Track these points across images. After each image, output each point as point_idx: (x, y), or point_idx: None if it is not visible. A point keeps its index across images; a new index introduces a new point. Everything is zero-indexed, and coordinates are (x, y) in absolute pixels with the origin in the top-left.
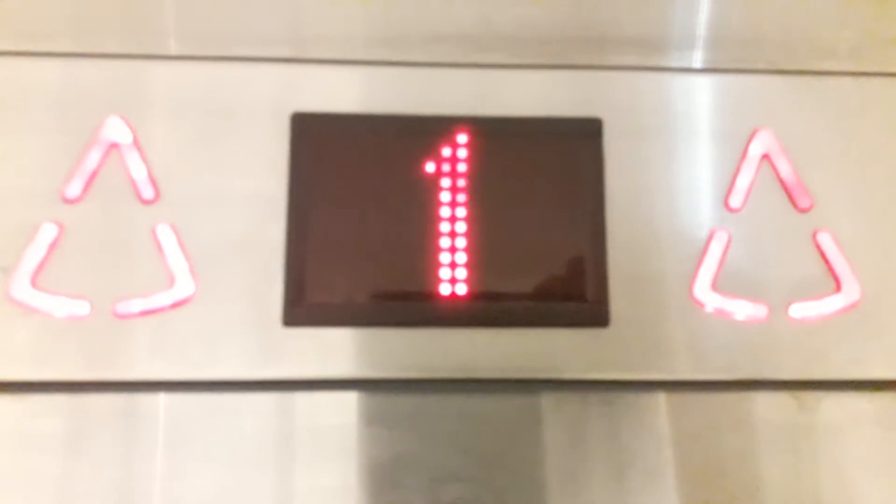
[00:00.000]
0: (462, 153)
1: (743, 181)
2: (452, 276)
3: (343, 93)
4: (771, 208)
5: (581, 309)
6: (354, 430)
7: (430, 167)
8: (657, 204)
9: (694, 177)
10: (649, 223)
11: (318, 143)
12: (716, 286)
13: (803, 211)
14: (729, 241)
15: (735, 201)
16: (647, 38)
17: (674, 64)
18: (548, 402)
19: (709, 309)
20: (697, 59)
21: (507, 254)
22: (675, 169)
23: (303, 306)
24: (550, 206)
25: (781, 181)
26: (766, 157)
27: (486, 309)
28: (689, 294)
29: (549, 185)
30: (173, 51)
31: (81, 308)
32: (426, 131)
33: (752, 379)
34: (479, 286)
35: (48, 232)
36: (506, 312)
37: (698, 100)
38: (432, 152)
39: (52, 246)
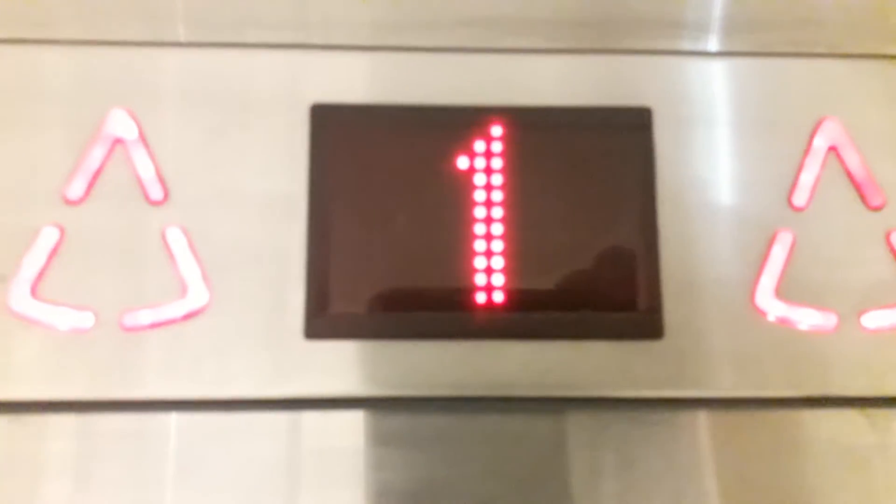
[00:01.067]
0: (497, 147)
1: (808, 176)
2: (488, 282)
3: (367, 81)
4: (839, 206)
5: (632, 319)
6: (382, 450)
7: (462, 163)
8: (714, 203)
9: (754, 172)
10: (706, 224)
11: (341, 136)
12: (779, 293)
13: (875, 209)
14: (793, 243)
15: (799, 199)
16: (699, 19)
17: (729, 47)
18: (595, 421)
19: (772, 318)
20: (755, 41)
21: (548, 258)
22: (733, 164)
23: (326, 317)
24: (596, 204)
25: (850, 176)
26: (832, 149)
27: (527, 319)
28: (750, 302)
29: (595, 181)
30: (181, 37)
31: (85, 320)
32: (458, 123)
33: (820, 395)
34: (517, 294)
35: (48, 236)
36: (548, 323)
37: (758, 87)
38: (465, 146)
39: (53, 252)
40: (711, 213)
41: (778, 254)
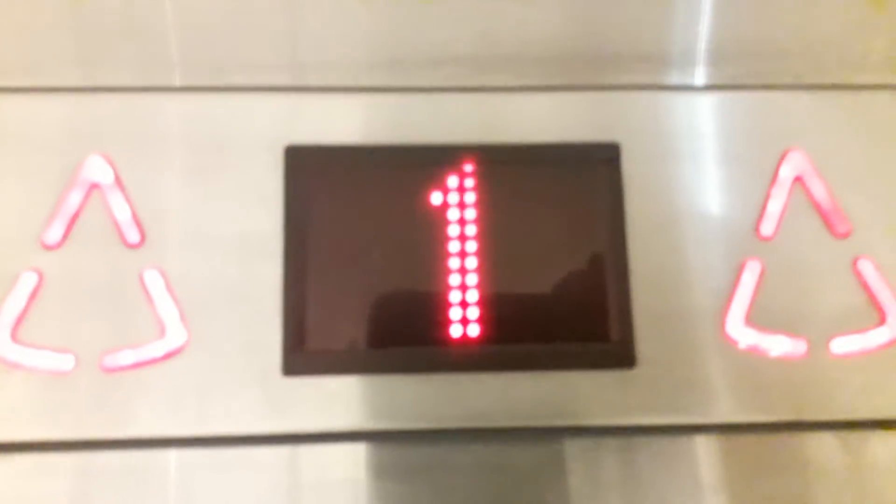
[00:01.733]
0: (469, 183)
1: (774, 206)
2: (464, 316)
3: (341, 122)
4: (806, 235)
5: (605, 349)
6: (363, 485)
7: (435, 199)
8: (683, 234)
9: (722, 203)
10: (675, 255)
11: (314, 177)
12: (749, 321)
13: (841, 237)
14: (762, 272)
15: (767, 229)
16: (663, 53)
17: (694, 81)
18: (571, 450)
19: (742, 346)
20: (719, 74)
21: (522, 291)
22: (701, 195)
23: (303, 354)
24: (568, 238)
25: (816, 205)
26: (798, 179)
27: (502, 352)
28: (720, 331)
29: (566, 216)
30: (156, 82)
31: (66, 362)
32: (430, 161)
33: (792, 420)
34: (492, 327)
35: (27, 281)
36: (523, 355)
37: (723, 119)
38: (438, 183)
39: (32, 296)
40: (681, 244)
41: (747, 282)
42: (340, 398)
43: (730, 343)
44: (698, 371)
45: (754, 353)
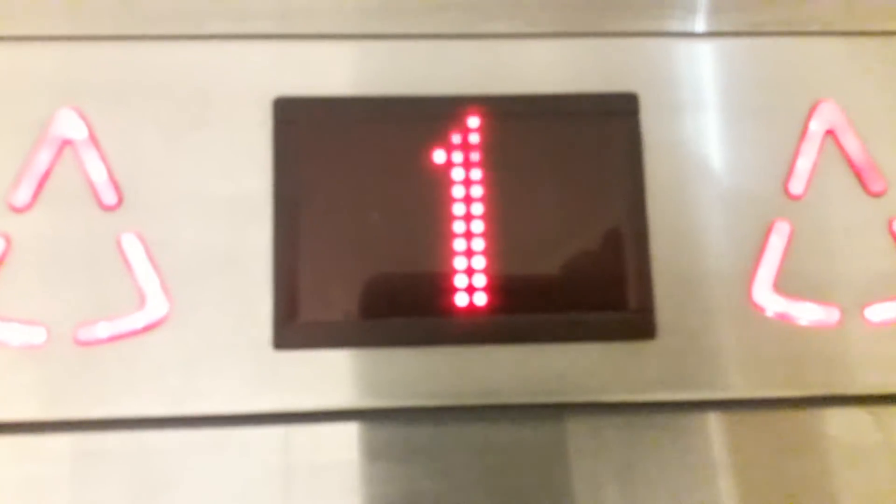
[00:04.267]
0: (475, 139)
1: (804, 163)
2: (469, 284)
3: (334, 72)
4: (838, 193)
5: (623, 319)
6: (361, 466)
7: (438, 157)
8: (706, 193)
9: (748, 159)
10: (698, 216)
11: (307, 132)
12: (778, 287)
13: (876, 195)
14: (791, 234)
15: (796, 187)
16: None
17: (718, 27)
18: (585, 428)
19: (770, 314)
20: (745, 20)
21: (532, 256)
22: (725, 151)
23: (296, 325)
24: (582, 198)
25: (849, 161)
26: (830, 133)
27: (510, 323)
28: (747, 297)
29: (579, 173)
30: (133, 30)
31: (37, 335)
32: (432, 115)
33: (822, 395)
34: (500, 296)
35: None
36: (534, 326)
37: (749, 69)
38: (440, 139)
39: (0, 263)
40: (704, 205)
41: (775, 245)
42: (336, 373)
43: (757, 310)
44: (722, 342)
45: (783, 321)
